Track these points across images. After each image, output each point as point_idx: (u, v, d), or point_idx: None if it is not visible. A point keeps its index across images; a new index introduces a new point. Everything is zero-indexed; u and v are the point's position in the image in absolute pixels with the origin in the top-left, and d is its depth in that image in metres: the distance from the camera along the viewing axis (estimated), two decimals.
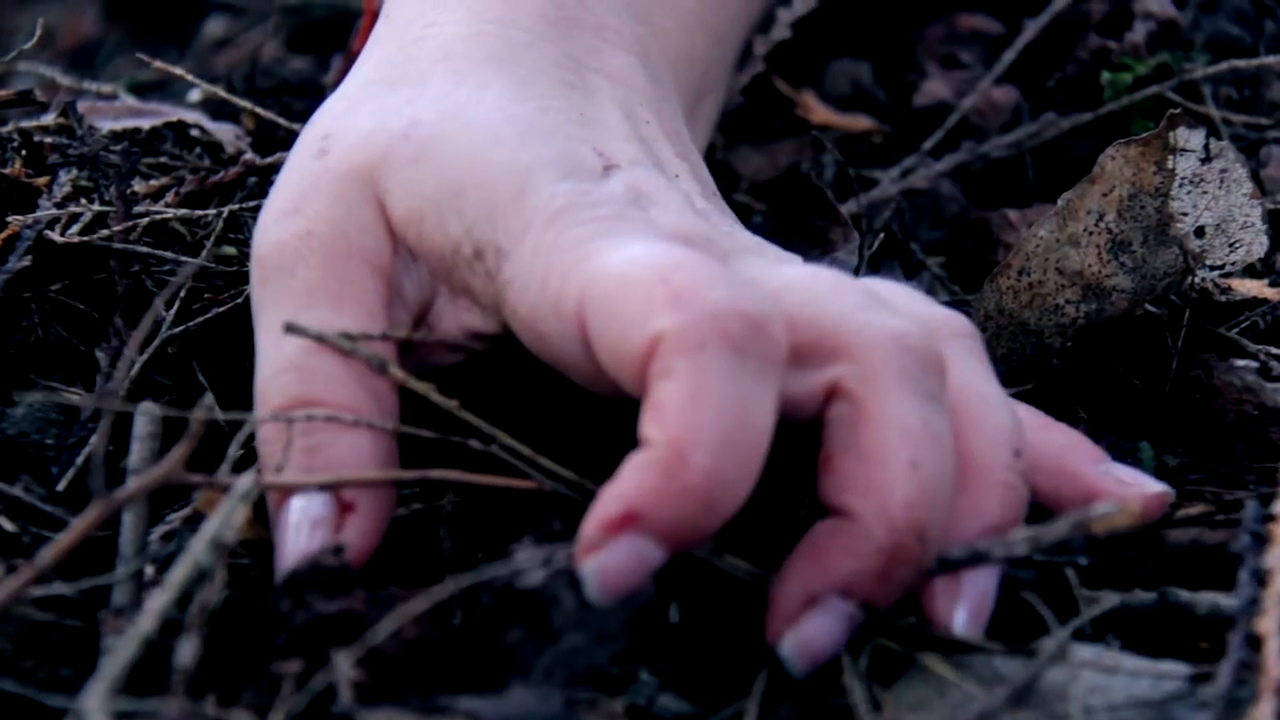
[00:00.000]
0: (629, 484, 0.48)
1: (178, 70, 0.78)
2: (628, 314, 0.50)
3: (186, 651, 0.47)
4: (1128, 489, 0.56)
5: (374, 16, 0.81)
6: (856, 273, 0.71)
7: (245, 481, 0.51)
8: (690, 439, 0.47)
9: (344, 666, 0.48)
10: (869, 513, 0.49)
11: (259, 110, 0.79)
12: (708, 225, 0.56)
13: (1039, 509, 0.55)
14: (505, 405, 0.58)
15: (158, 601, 0.47)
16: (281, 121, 0.79)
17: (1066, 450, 0.56)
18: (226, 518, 0.50)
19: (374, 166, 0.56)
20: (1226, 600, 0.53)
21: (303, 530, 0.53)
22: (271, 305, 0.56)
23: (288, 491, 0.53)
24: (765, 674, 0.51)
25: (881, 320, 0.51)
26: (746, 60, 0.87)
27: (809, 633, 0.50)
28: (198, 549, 0.49)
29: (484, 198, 0.54)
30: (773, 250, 0.57)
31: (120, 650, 0.46)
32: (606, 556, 0.48)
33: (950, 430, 0.51)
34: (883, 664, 0.52)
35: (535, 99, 0.58)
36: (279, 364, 0.55)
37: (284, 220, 0.57)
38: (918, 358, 0.51)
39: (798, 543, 0.51)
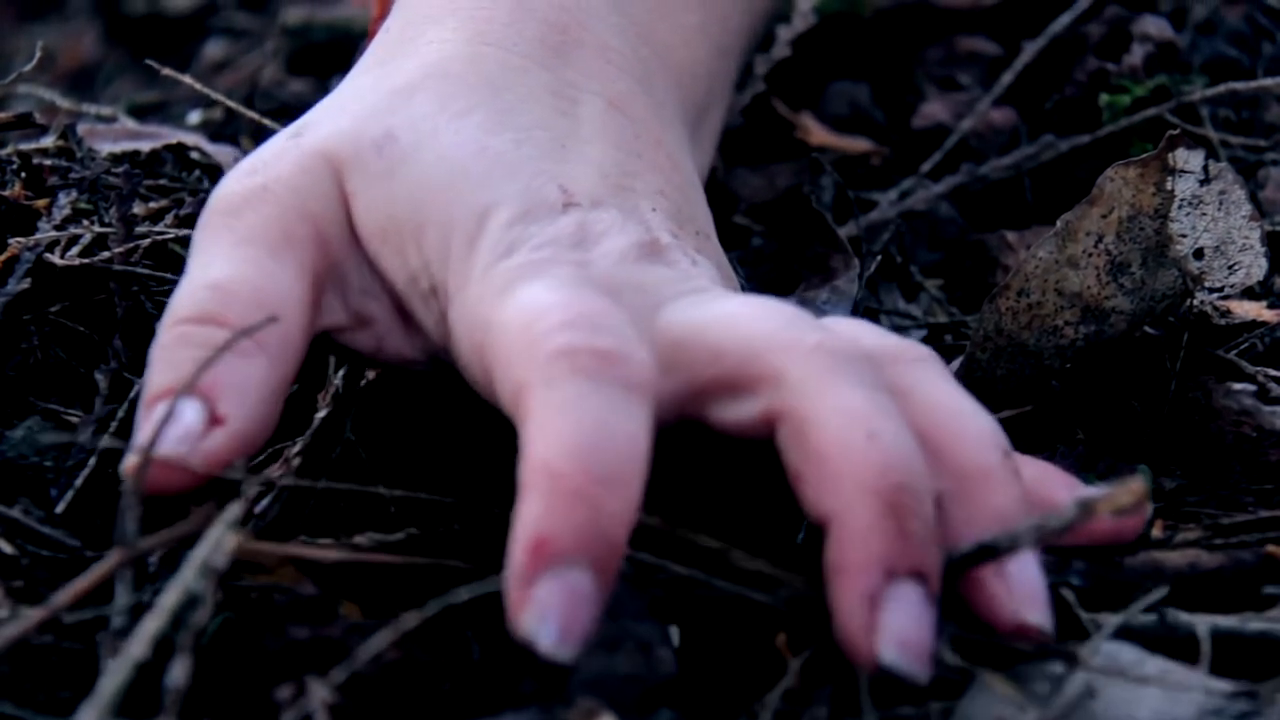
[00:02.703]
0: (520, 522, 0.47)
1: (187, 80, 0.78)
2: (503, 372, 0.51)
3: (178, 673, 0.47)
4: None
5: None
6: (855, 300, 0.71)
7: (235, 509, 0.51)
8: (554, 452, 0.47)
9: (319, 693, 0.48)
10: (853, 500, 0.48)
11: (266, 121, 0.79)
12: (655, 269, 0.55)
13: None
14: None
15: (150, 626, 0.47)
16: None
17: (1039, 480, 0.56)
18: (217, 543, 0.50)
19: (344, 161, 0.57)
20: (1226, 621, 0.53)
21: (163, 422, 0.52)
22: (208, 242, 0.56)
23: (163, 395, 0.53)
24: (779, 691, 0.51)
25: (804, 335, 0.51)
26: (747, 80, 0.87)
27: (897, 629, 0.48)
28: (188, 574, 0.49)
29: (441, 238, 0.55)
30: (719, 290, 0.56)
31: (113, 674, 0.46)
32: (540, 603, 0.46)
33: (898, 410, 0.50)
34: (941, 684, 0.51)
35: (513, 130, 0.58)
36: (199, 282, 0.55)
37: (242, 178, 0.57)
38: (845, 356, 0.51)
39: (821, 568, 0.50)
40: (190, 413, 0.52)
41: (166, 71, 0.78)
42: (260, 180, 0.57)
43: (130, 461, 0.52)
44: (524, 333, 0.50)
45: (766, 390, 0.50)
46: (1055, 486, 0.56)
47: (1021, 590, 0.51)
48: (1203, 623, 0.53)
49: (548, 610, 0.46)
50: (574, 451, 0.47)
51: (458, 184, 0.56)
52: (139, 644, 0.47)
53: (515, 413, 0.50)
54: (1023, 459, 0.56)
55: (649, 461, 0.48)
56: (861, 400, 0.50)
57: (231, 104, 0.81)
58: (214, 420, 0.53)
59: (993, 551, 0.50)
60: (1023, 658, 0.51)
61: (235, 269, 0.55)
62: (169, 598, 0.48)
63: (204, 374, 0.52)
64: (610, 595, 0.47)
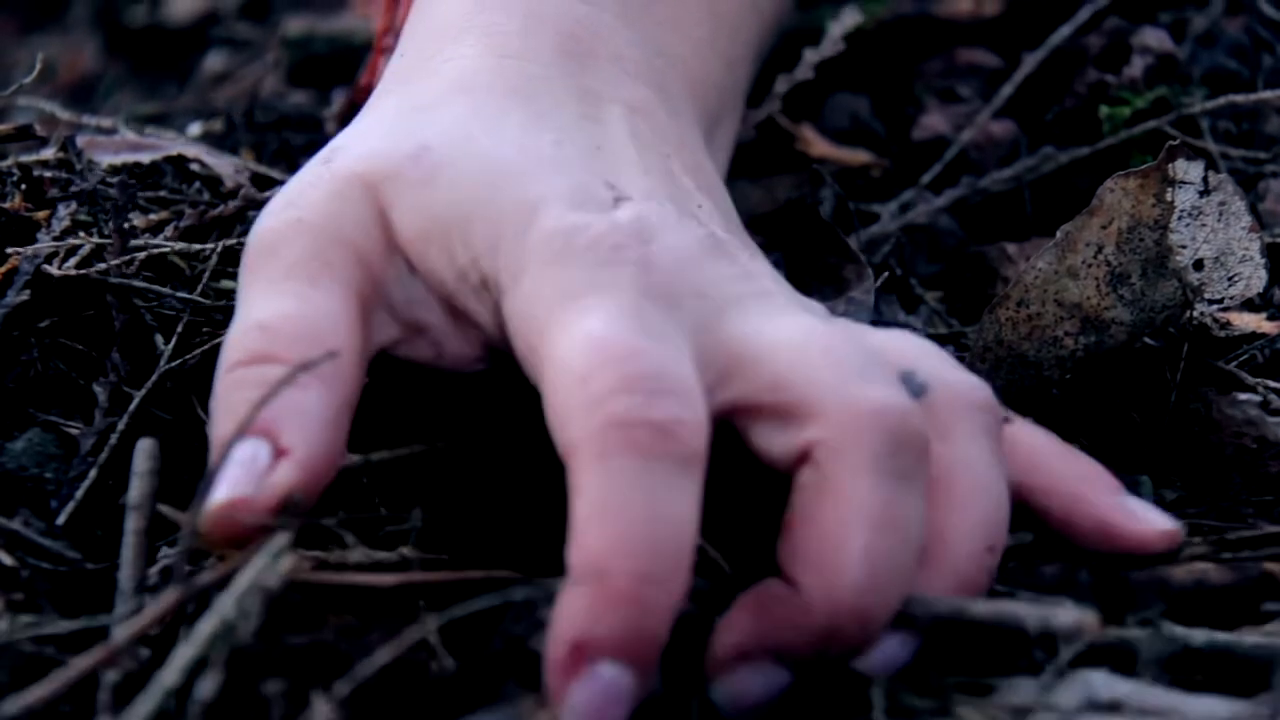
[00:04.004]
0: (564, 616, 0.47)
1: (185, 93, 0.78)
2: (554, 415, 0.50)
3: (207, 687, 0.47)
4: (1137, 523, 0.56)
5: (382, 52, 0.82)
6: (874, 309, 0.71)
7: (280, 540, 0.51)
8: (605, 551, 0.47)
9: (322, 708, 0.47)
10: (814, 591, 0.49)
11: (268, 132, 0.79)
12: (715, 265, 0.55)
13: (1053, 535, 0.56)
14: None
15: (184, 655, 0.47)
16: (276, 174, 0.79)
17: (1084, 479, 0.56)
18: (266, 569, 0.50)
19: (380, 179, 0.56)
20: (1222, 636, 0.53)
21: (229, 468, 0.51)
22: (248, 283, 0.56)
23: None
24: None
25: (866, 392, 0.51)
26: (764, 98, 0.87)
27: (738, 684, 0.50)
28: (225, 604, 0.49)
29: (491, 230, 0.54)
30: (784, 294, 0.56)
31: (144, 703, 0.46)
32: (577, 700, 0.47)
33: (920, 512, 0.51)
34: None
35: (550, 131, 0.58)
36: (246, 324, 0.55)
37: (277, 213, 0.57)
38: (895, 436, 0.50)
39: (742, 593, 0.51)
40: (253, 450, 0.52)
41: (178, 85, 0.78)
42: (295, 214, 0.56)
43: (207, 512, 0.51)
44: (580, 388, 0.49)
45: (810, 430, 0.50)
46: (1098, 490, 0.57)
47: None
48: (1199, 636, 0.53)
49: (583, 710, 0.47)
50: (622, 550, 0.47)
51: (501, 181, 0.55)
52: (172, 671, 0.47)
53: (565, 462, 0.49)
54: (1076, 454, 0.57)
55: (697, 538, 0.49)
56: (882, 501, 0.49)
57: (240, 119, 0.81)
58: (279, 453, 0.52)
59: (915, 622, 0.51)
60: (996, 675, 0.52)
61: (279, 305, 0.55)
62: (206, 626, 0.48)
63: (261, 412, 0.52)
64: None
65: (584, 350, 0.50)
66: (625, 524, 0.47)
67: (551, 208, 0.54)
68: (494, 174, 0.56)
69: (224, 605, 0.49)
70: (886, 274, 0.78)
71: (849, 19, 0.90)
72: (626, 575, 0.47)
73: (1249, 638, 0.53)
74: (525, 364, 0.53)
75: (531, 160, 0.56)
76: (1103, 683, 0.51)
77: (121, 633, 0.49)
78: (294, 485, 0.51)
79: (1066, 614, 0.49)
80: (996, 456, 0.54)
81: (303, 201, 0.57)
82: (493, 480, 0.59)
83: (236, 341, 0.54)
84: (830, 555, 0.49)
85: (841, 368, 0.51)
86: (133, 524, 0.55)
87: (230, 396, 0.53)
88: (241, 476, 0.51)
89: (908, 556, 0.50)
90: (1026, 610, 0.50)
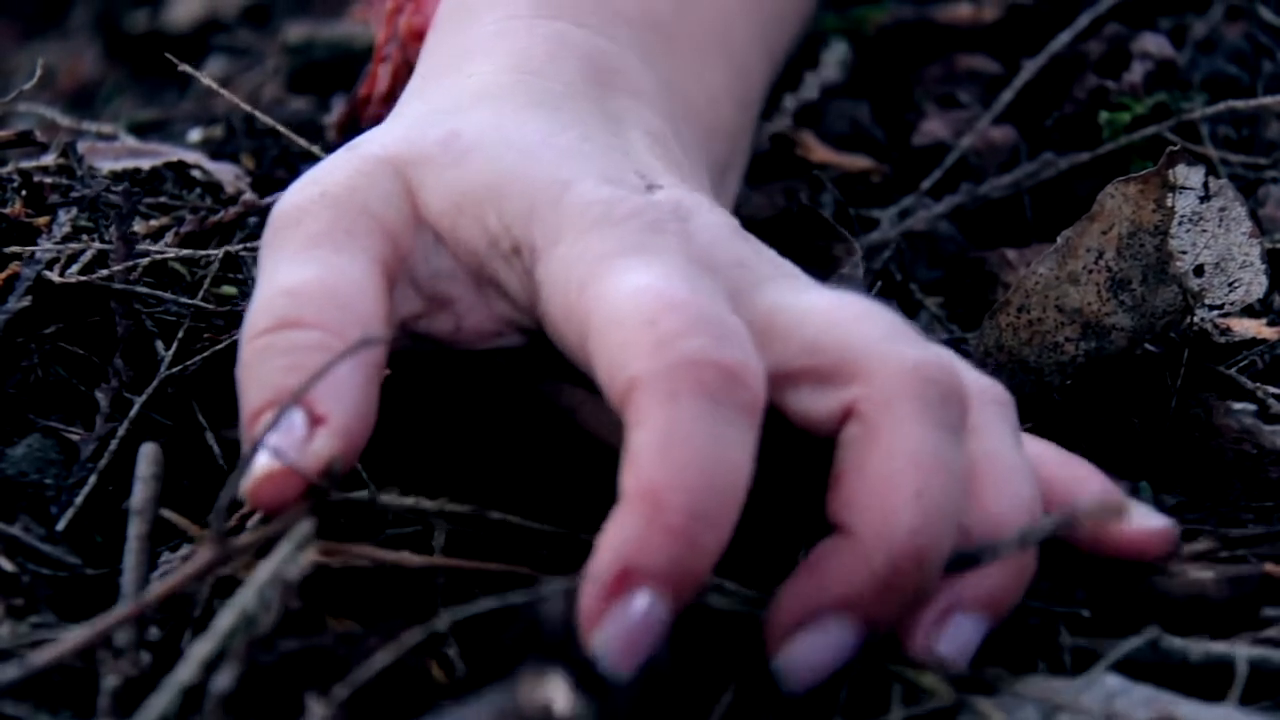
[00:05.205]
0: (614, 541, 0.47)
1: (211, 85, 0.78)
2: (613, 354, 0.50)
3: (224, 680, 0.46)
4: (1133, 527, 0.56)
5: (381, 61, 0.82)
6: (869, 289, 0.72)
7: (304, 528, 0.51)
8: (664, 483, 0.47)
9: (318, 711, 0.47)
10: (870, 534, 0.49)
11: (280, 128, 0.79)
12: (747, 246, 0.56)
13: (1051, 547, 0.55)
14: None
15: (201, 650, 0.47)
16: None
17: (1081, 483, 0.57)
18: (286, 561, 0.50)
19: (408, 163, 0.57)
20: (1219, 647, 0.53)
21: (269, 436, 0.51)
22: (272, 253, 0.56)
23: (263, 410, 0.52)
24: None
25: (905, 350, 0.51)
26: (773, 112, 0.88)
27: (804, 649, 0.50)
28: (247, 597, 0.49)
29: (524, 199, 0.55)
30: (805, 279, 0.57)
31: (159, 699, 0.46)
32: (614, 624, 0.47)
33: (964, 465, 0.51)
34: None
35: (577, 130, 0.58)
36: (270, 292, 0.55)
37: (301, 189, 0.57)
38: (939, 389, 0.51)
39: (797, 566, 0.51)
40: (290, 419, 0.52)
41: (198, 84, 0.78)
42: (319, 189, 0.57)
43: (251, 480, 0.51)
44: (648, 328, 0.50)
45: (853, 389, 0.51)
46: (1094, 494, 0.56)
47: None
48: (1196, 649, 0.53)
49: (618, 635, 0.47)
50: (683, 485, 0.47)
51: (532, 164, 0.56)
52: (189, 666, 0.47)
53: (622, 403, 0.49)
54: (1075, 460, 0.58)
55: (748, 487, 0.49)
56: (932, 447, 0.50)
57: (252, 112, 0.81)
58: (315, 421, 0.52)
59: (973, 560, 0.51)
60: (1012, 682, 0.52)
61: (303, 272, 0.55)
62: (225, 619, 0.48)
63: (294, 379, 0.51)
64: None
65: (646, 295, 0.51)
66: (687, 460, 0.48)
67: (586, 182, 0.55)
68: (524, 157, 0.56)
69: (245, 597, 0.49)
70: (880, 278, 0.78)
71: (837, 49, 0.91)
72: (681, 509, 0.47)
73: (1244, 651, 0.53)
74: (559, 325, 0.53)
75: (560, 149, 0.57)
76: (1119, 687, 0.51)
77: (138, 596, 0.49)
78: (334, 452, 0.51)
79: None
80: (1020, 445, 0.55)
81: (327, 178, 0.57)
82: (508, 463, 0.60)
83: (262, 308, 0.54)
84: (885, 496, 0.49)
85: (879, 330, 0.52)
86: (135, 529, 0.55)
87: (258, 363, 0.53)
88: (283, 444, 0.51)
89: (957, 502, 0.50)
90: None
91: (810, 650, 0.50)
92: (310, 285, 0.54)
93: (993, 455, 0.53)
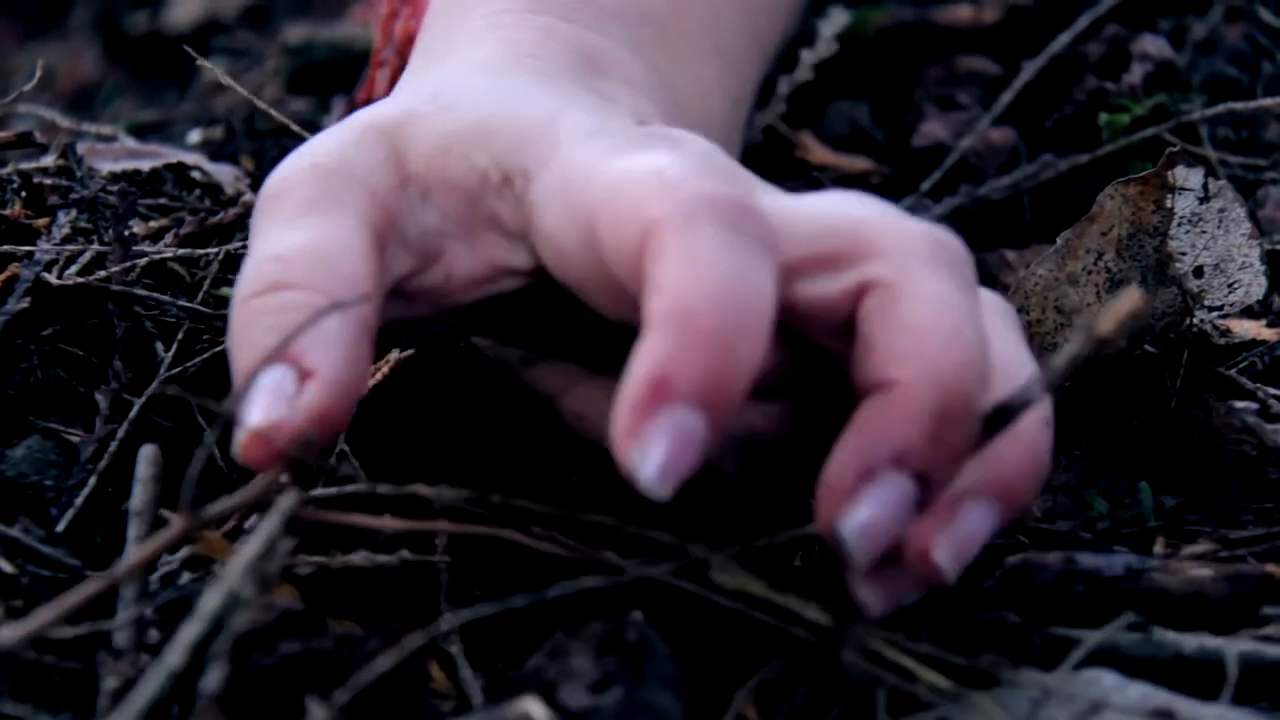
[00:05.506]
0: (646, 358, 0.47)
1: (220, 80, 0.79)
2: (625, 208, 0.50)
3: (212, 680, 0.46)
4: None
5: (379, 67, 0.82)
6: None
7: (288, 499, 0.51)
8: (692, 294, 0.47)
9: (319, 714, 0.47)
10: (918, 378, 0.48)
11: (286, 120, 0.79)
12: (741, 167, 0.56)
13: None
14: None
15: (189, 633, 0.47)
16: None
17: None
18: (268, 542, 0.50)
19: (395, 124, 0.57)
20: (1213, 641, 0.53)
21: (258, 394, 0.51)
22: (262, 223, 0.57)
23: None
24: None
25: (911, 223, 0.51)
26: (769, 99, 0.87)
27: (869, 509, 0.48)
28: (232, 576, 0.49)
29: (514, 133, 0.55)
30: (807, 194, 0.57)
31: (147, 684, 0.46)
32: (650, 438, 0.46)
33: (981, 320, 0.51)
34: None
35: (563, 94, 0.58)
36: (259, 258, 0.55)
37: (291, 163, 0.58)
38: (951, 252, 0.51)
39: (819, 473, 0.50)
40: (279, 376, 0.52)
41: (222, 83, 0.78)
42: (308, 161, 0.57)
43: (240, 437, 0.51)
44: (657, 176, 0.50)
45: (865, 264, 0.50)
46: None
47: (953, 538, 0.51)
48: (1190, 643, 0.53)
49: (656, 447, 0.46)
50: (713, 296, 0.47)
51: (519, 104, 0.56)
52: (176, 652, 0.47)
53: (638, 256, 0.49)
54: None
55: (774, 321, 0.48)
56: (958, 298, 0.50)
57: (260, 105, 0.81)
58: (304, 376, 0.52)
59: (1010, 412, 0.50)
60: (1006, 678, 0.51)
61: (292, 237, 0.55)
62: (210, 601, 0.48)
63: (283, 339, 0.52)
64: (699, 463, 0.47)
65: (650, 158, 0.51)
66: (716, 277, 0.47)
67: (577, 113, 0.55)
68: (510, 104, 0.57)
69: (231, 576, 0.49)
70: None
71: (838, 19, 0.91)
72: (712, 317, 0.46)
73: (1237, 647, 0.53)
74: (558, 234, 0.53)
75: (547, 94, 0.57)
76: (1113, 683, 0.51)
77: (134, 556, 0.49)
78: (323, 405, 0.51)
79: None
80: (1028, 349, 0.55)
81: (315, 150, 0.58)
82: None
83: (252, 274, 0.54)
84: (925, 338, 0.49)
85: (880, 211, 0.52)
86: (135, 530, 0.55)
87: (249, 326, 0.53)
88: (272, 401, 0.51)
89: (984, 349, 0.50)
90: None
91: (876, 503, 0.48)
92: (299, 249, 0.55)
93: (1004, 359, 0.53)
